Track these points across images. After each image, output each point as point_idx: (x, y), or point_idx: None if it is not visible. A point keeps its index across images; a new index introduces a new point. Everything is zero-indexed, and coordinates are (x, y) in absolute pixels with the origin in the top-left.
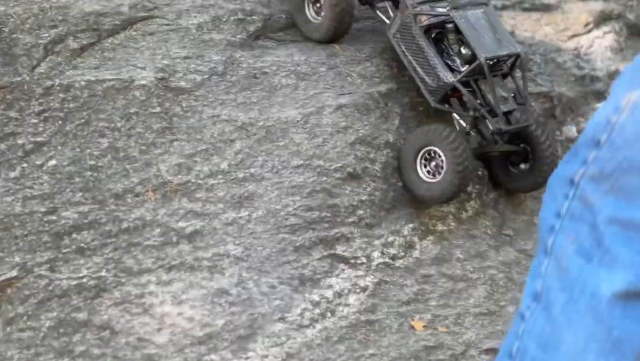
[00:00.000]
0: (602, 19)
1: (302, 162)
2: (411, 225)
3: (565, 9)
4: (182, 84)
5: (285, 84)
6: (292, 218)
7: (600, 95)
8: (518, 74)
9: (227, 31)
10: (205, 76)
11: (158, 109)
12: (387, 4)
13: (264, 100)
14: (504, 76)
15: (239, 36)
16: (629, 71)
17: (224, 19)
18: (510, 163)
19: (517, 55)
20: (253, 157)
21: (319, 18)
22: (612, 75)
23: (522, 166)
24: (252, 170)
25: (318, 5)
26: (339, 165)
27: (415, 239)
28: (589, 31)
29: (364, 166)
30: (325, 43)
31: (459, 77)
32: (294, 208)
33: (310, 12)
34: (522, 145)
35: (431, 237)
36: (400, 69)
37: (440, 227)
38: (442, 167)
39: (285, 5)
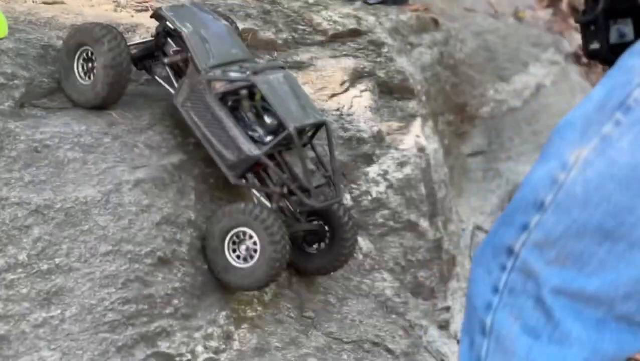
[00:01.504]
0: (356, 77)
1: (111, 247)
2: (224, 313)
3: (318, 66)
4: None
5: (73, 158)
6: (111, 314)
7: (369, 158)
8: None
9: None
10: None
11: None
12: (168, 70)
13: (55, 177)
14: (304, 146)
15: (6, 104)
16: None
17: None
18: (305, 242)
19: (322, 124)
20: (56, 245)
21: (89, 80)
22: (377, 137)
23: (317, 246)
24: (57, 260)
25: (89, 65)
26: (148, 249)
27: (232, 328)
28: (346, 90)
29: (172, 248)
30: (94, 108)
31: (265, 149)
32: (111, 302)
33: (79, 74)
34: (320, 223)
35: (245, 325)
36: (183, 137)
37: (250, 313)
38: (254, 250)
39: (44, 67)
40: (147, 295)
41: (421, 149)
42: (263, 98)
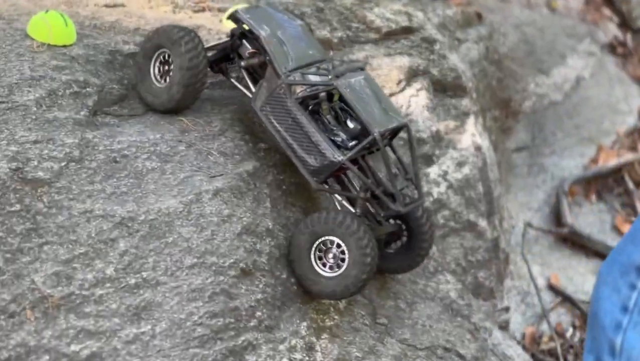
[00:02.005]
0: (411, 75)
1: (195, 260)
2: (305, 324)
3: (374, 65)
4: (40, 174)
5: (151, 168)
6: (199, 328)
7: (429, 159)
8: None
9: (68, 107)
10: (63, 163)
11: (18, 207)
12: (244, 73)
13: (135, 188)
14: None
15: (82, 113)
16: None
17: (60, 93)
18: (384, 242)
19: (404, 126)
20: (142, 258)
21: (165, 83)
22: (435, 137)
23: (395, 244)
24: (145, 274)
25: (166, 68)
26: (231, 260)
27: (314, 339)
28: (403, 89)
29: (254, 259)
30: (169, 112)
31: (349, 154)
32: (199, 316)
33: (155, 77)
34: (399, 223)
35: (325, 335)
36: (254, 143)
37: (328, 322)
38: (342, 259)
39: (113, 73)
40: (232, 308)
41: (478, 148)
42: (342, 100)
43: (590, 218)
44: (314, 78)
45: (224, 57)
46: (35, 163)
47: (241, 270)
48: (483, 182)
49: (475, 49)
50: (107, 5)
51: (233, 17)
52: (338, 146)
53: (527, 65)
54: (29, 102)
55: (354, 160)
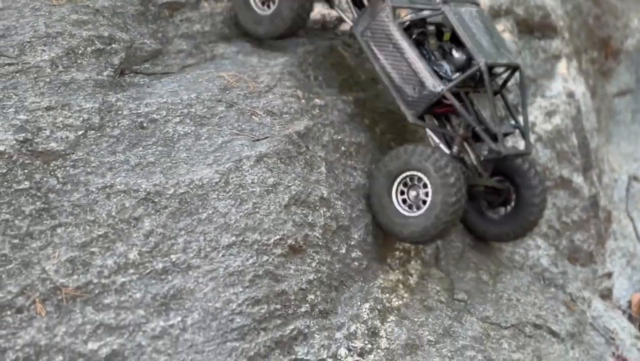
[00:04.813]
0: (493, 15)
1: (234, 238)
2: (367, 305)
3: None
4: (53, 145)
5: (183, 133)
6: (239, 318)
7: (514, 109)
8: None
9: (89, 67)
10: (80, 132)
11: (27, 184)
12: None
13: (164, 157)
14: (494, 95)
15: (105, 73)
16: None
17: (80, 52)
18: (488, 205)
19: (516, 68)
20: (171, 239)
21: (269, 9)
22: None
23: (502, 209)
24: (174, 258)
25: None
26: (277, 237)
27: (378, 323)
28: None
29: (305, 234)
30: (273, 39)
31: (450, 85)
32: (238, 304)
33: (256, 3)
34: (506, 183)
35: (392, 317)
36: (308, 99)
37: (395, 302)
38: (425, 198)
39: (145, 26)
40: (278, 292)
41: (570, 94)
42: (452, 39)
43: None
44: (422, 3)
45: None
46: (48, 132)
47: (289, 248)
48: (577, 132)
49: None
50: None
51: None
52: (440, 77)
53: None
54: (42, 62)
55: (456, 95)
